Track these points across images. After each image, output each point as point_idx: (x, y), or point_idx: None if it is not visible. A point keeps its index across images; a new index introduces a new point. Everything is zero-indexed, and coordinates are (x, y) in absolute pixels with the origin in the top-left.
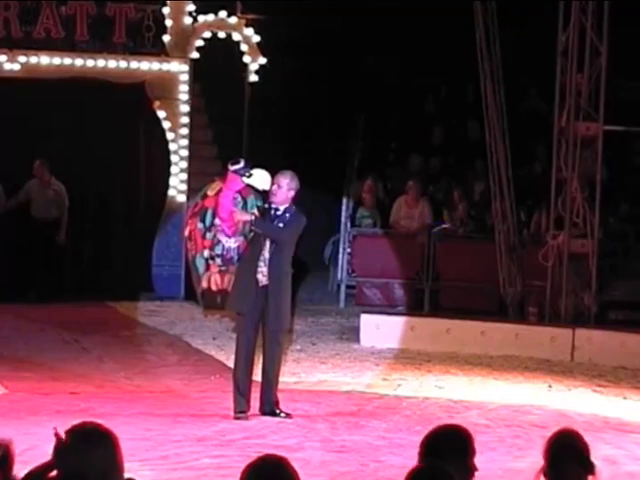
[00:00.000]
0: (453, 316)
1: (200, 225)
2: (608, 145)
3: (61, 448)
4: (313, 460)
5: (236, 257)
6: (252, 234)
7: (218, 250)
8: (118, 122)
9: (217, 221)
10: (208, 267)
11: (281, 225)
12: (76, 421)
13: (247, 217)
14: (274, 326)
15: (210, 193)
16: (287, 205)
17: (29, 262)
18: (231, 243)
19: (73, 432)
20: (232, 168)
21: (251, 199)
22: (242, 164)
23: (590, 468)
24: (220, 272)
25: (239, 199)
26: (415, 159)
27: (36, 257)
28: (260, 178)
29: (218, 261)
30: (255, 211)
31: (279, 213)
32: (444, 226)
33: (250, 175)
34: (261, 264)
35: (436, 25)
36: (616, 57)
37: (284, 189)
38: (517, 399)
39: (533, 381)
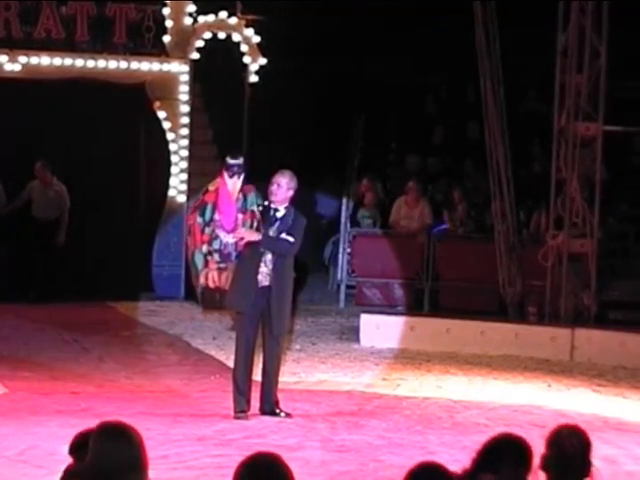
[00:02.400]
0: (453, 316)
1: (199, 219)
2: (607, 145)
3: (85, 443)
4: (313, 460)
5: (234, 253)
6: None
7: (216, 245)
8: (118, 122)
9: (216, 216)
10: (206, 263)
11: (284, 235)
12: (76, 421)
13: (255, 237)
14: (277, 330)
15: (211, 188)
16: (286, 205)
17: (29, 262)
18: (229, 238)
19: (98, 428)
20: (230, 161)
21: (251, 196)
22: (240, 161)
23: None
24: (218, 269)
25: (237, 170)
26: (413, 159)
27: (36, 257)
28: (232, 185)
29: (216, 256)
30: (255, 208)
31: (279, 215)
32: (444, 227)
33: (231, 176)
34: (262, 265)
35: (436, 25)
36: (615, 57)
37: (283, 188)
38: (517, 399)
39: (533, 381)
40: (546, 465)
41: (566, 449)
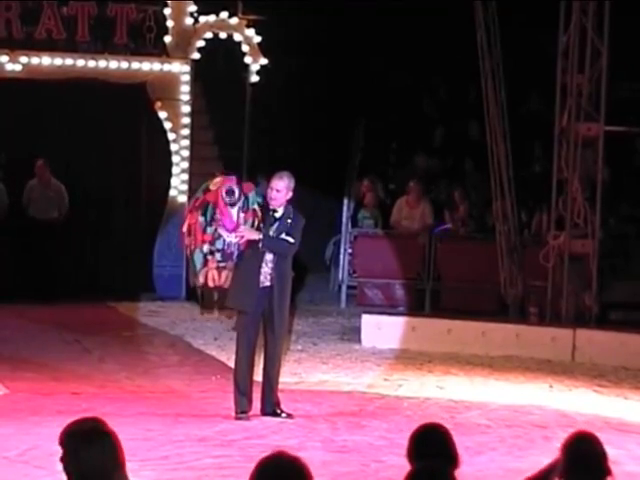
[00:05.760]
0: (454, 316)
1: (201, 219)
2: (609, 146)
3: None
4: (314, 460)
5: (236, 252)
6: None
7: (219, 245)
8: (119, 123)
9: (217, 215)
10: (206, 262)
11: (284, 235)
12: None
13: (255, 236)
14: (280, 330)
15: (212, 187)
16: (285, 205)
17: (28, 262)
18: (232, 238)
19: (70, 433)
20: (226, 199)
21: (252, 195)
22: (235, 196)
23: (607, 472)
24: (218, 268)
25: (236, 194)
26: (420, 159)
27: (35, 257)
28: (236, 213)
29: (218, 256)
30: (256, 207)
31: (278, 215)
32: (446, 226)
33: (232, 205)
34: (264, 265)
35: (437, 25)
36: (617, 57)
37: (283, 193)
38: (518, 399)
39: (534, 381)
40: (565, 472)
41: (584, 454)
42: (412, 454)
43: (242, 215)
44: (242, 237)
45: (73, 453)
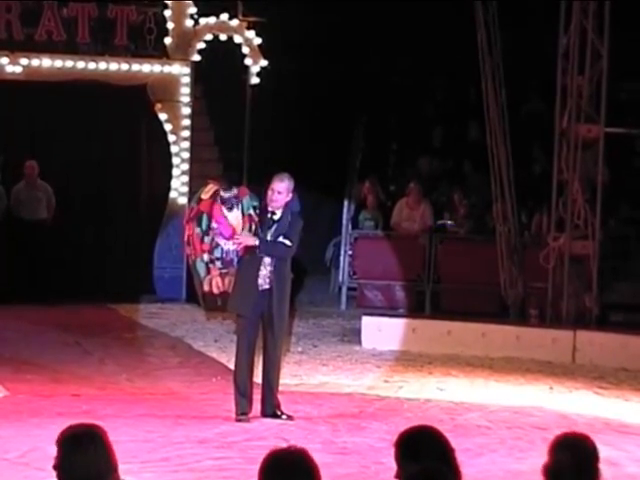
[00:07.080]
0: (454, 318)
1: (197, 230)
2: (609, 147)
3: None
4: None
5: (236, 259)
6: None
7: (217, 253)
8: (120, 124)
9: (214, 224)
10: (209, 271)
11: (282, 238)
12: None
13: (252, 242)
14: (279, 332)
15: (204, 197)
16: (284, 207)
17: (23, 263)
18: (230, 245)
19: (64, 438)
20: (224, 195)
21: (247, 200)
22: (234, 192)
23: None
24: (221, 275)
25: (234, 201)
26: (423, 161)
27: (29, 258)
28: (235, 219)
29: (218, 264)
30: (252, 212)
31: (276, 217)
32: (447, 222)
33: (230, 209)
34: (262, 268)
35: (437, 26)
36: (617, 59)
37: (283, 195)
38: (518, 401)
39: (534, 383)
40: (553, 473)
41: (578, 456)
42: (399, 457)
43: (240, 219)
44: (240, 244)
45: (67, 457)
